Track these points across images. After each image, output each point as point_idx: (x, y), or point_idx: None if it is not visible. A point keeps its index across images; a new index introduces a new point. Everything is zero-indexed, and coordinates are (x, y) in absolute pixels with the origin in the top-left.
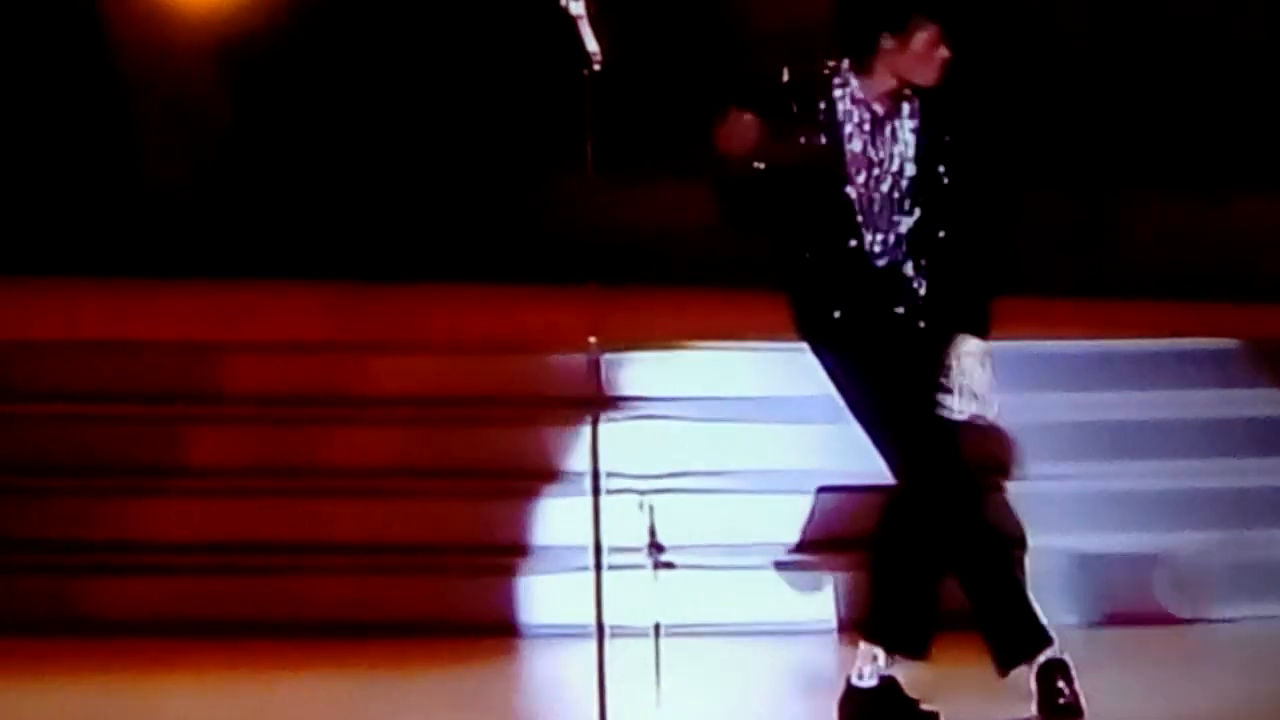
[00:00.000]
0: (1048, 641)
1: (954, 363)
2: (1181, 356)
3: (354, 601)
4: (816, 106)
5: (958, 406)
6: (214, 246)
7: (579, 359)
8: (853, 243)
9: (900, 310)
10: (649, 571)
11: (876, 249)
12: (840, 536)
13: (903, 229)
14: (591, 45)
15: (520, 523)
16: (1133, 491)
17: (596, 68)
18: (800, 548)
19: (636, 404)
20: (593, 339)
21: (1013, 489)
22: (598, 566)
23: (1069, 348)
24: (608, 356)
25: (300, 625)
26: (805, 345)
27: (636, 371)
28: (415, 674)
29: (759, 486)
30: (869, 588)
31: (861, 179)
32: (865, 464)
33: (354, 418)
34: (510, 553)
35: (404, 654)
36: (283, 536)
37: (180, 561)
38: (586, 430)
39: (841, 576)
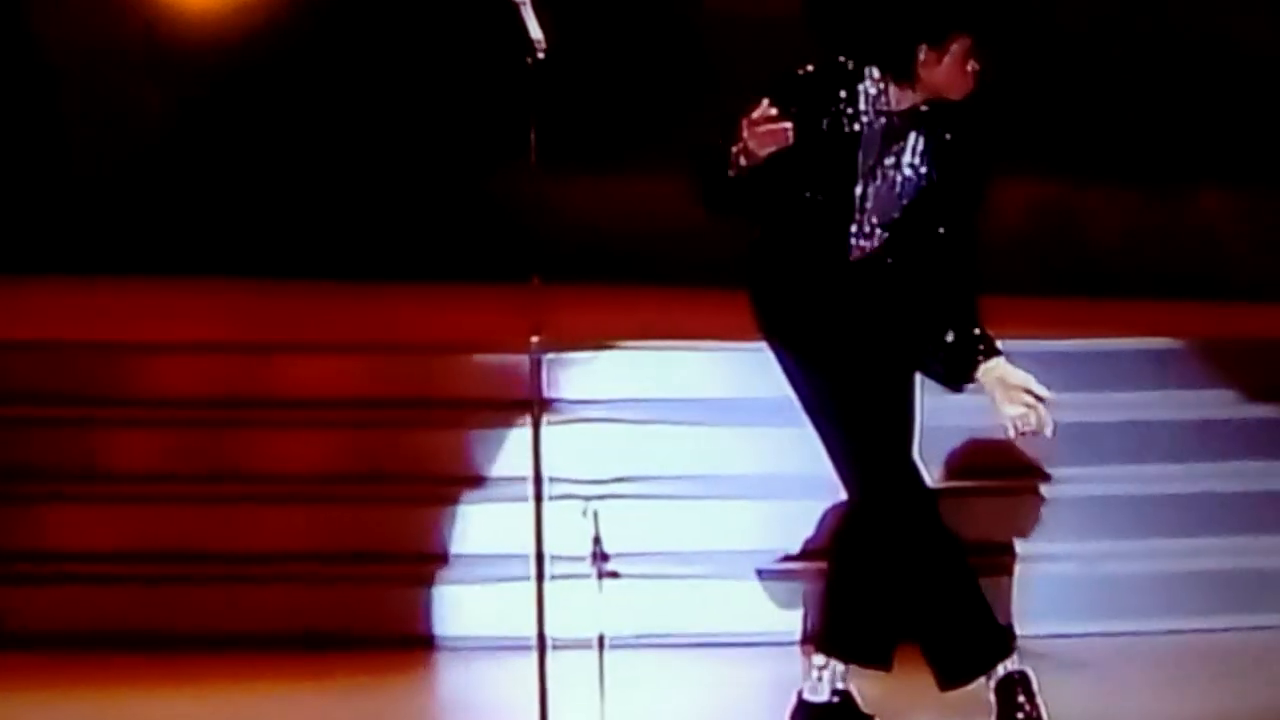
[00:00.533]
0: (997, 657)
1: (1001, 389)
2: (1143, 356)
3: (283, 612)
4: (837, 106)
5: (1035, 422)
6: (138, 242)
7: (520, 359)
8: (838, 244)
9: (870, 314)
10: (593, 581)
11: (858, 251)
12: (789, 545)
13: (886, 235)
14: (535, 32)
15: (458, 530)
16: (1098, 497)
17: (540, 56)
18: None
19: (580, 406)
20: (535, 338)
21: (984, 493)
22: (539, 576)
23: (1032, 347)
24: (550, 356)
25: (226, 637)
26: (758, 345)
27: (580, 372)
28: (346, 689)
29: (708, 492)
30: (825, 599)
31: (860, 185)
32: (819, 469)
33: (284, 420)
34: (448, 561)
35: (334, 668)
36: (205, 544)
37: (96, 571)
38: (528, 433)
39: (795, 587)
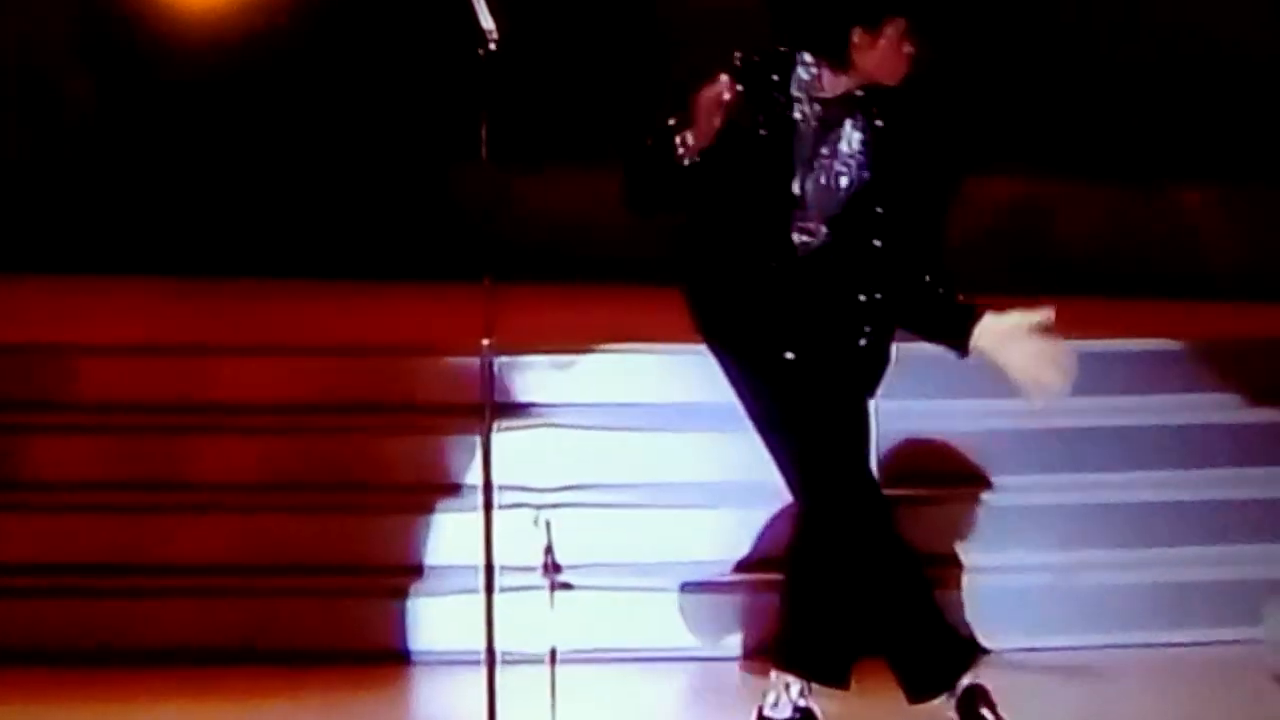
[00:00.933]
0: (965, 668)
1: (1002, 346)
2: (1122, 359)
3: (221, 627)
4: (771, 94)
5: (1046, 387)
6: (67, 238)
7: (471, 362)
8: (781, 240)
9: (818, 312)
10: (545, 593)
11: (802, 248)
12: (749, 556)
13: (830, 229)
14: (487, 21)
15: (405, 540)
16: (1066, 505)
17: (492, 47)
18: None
19: (533, 411)
20: (486, 340)
21: (951, 501)
22: (489, 588)
23: None
24: (502, 359)
25: (162, 653)
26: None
27: (533, 375)
28: (290, 705)
29: (665, 501)
30: (782, 612)
31: (799, 175)
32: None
33: (221, 426)
34: (394, 573)
35: (276, 684)
36: (139, 556)
37: (25, 584)
38: (478, 440)
39: (750, 599)
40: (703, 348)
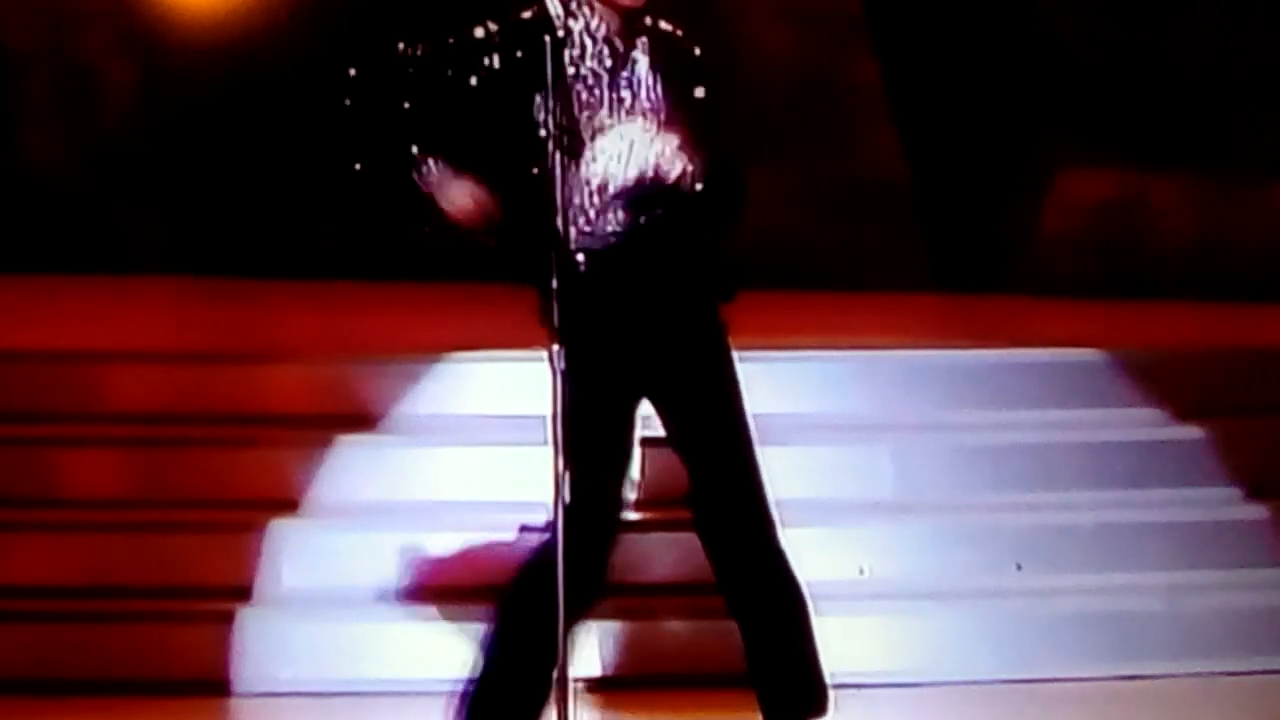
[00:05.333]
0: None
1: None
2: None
3: None
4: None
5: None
6: (104, 237)
7: (540, 368)
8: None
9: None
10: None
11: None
12: None
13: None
14: (554, 8)
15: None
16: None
17: (560, 34)
18: None
19: None
20: (556, 345)
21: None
22: (563, 611)
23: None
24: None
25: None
26: (777, 355)
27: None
28: None
29: None
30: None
31: (609, 118)
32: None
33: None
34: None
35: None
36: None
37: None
38: (547, 455)
39: None
40: (791, 353)
